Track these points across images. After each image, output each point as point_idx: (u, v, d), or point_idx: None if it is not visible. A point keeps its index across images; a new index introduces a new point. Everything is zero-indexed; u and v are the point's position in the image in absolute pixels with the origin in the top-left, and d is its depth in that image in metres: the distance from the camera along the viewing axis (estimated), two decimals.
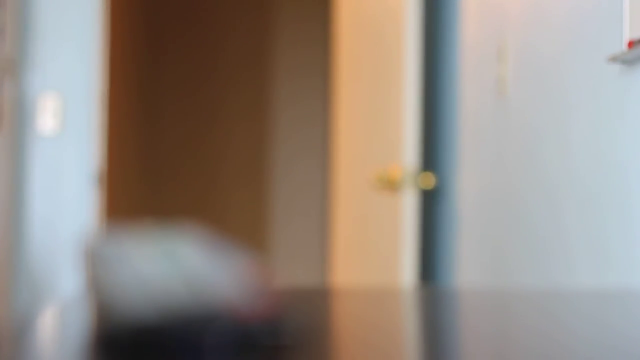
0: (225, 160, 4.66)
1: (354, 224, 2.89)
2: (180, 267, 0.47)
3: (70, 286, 2.83)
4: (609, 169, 1.82)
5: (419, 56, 2.56)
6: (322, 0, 4.65)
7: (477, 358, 0.42)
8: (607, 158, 1.82)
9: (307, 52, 4.64)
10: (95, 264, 0.50)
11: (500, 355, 0.42)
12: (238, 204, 4.67)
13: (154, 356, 0.37)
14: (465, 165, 2.57)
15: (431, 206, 2.84)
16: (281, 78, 4.65)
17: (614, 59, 1.68)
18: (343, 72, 3.01)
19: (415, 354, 0.42)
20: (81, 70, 2.91)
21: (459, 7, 2.62)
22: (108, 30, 3.97)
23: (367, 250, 2.78)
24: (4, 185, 2.79)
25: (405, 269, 2.55)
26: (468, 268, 2.54)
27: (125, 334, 0.38)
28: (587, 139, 1.91)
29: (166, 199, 4.64)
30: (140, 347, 0.38)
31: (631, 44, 1.64)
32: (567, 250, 1.99)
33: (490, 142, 2.41)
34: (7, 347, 0.42)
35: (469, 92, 2.54)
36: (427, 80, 2.87)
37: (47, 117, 2.88)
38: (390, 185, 2.57)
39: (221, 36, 4.66)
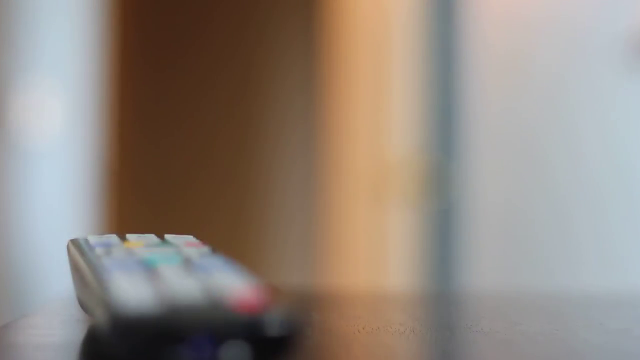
0: (215, 177, 4.67)
1: (360, 240, 2.88)
2: (182, 256, 0.47)
3: (68, 290, 2.83)
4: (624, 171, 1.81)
5: (422, 46, 2.55)
6: (307, 19, 4.63)
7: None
8: (619, 157, 1.81)
9: (298, 70, 4.62)
10: (82, 251, 0.49)
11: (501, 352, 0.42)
12: (231, 215, 4.67)
13: (157, 348, 0.36)
14: (477, 162, 2.57)
15: (441, 215, 2.83)
16: (270, 98, 4.65)
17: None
18: (340, 82, 3.01)
19: (419, 348, 0.42)
20: (81, 73, 2.91)
21: None
22: (108, 40, 3.98)
23: (368, 253, 2.77)
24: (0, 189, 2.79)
25: (411, 271, 2.54)
26: (484, 269, 2.53)
27: (124, 327, 0.37)
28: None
29: (162, 215, 4.64)
30: (140, 339, 0.37)
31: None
32: (610, 250, 1.98)
33: (500, 138, 2.40)
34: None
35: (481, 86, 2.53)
36: (431, 78, 2.87)
37: (46, 118, 2.88)
38: (392, 186, 2.57)
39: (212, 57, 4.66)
